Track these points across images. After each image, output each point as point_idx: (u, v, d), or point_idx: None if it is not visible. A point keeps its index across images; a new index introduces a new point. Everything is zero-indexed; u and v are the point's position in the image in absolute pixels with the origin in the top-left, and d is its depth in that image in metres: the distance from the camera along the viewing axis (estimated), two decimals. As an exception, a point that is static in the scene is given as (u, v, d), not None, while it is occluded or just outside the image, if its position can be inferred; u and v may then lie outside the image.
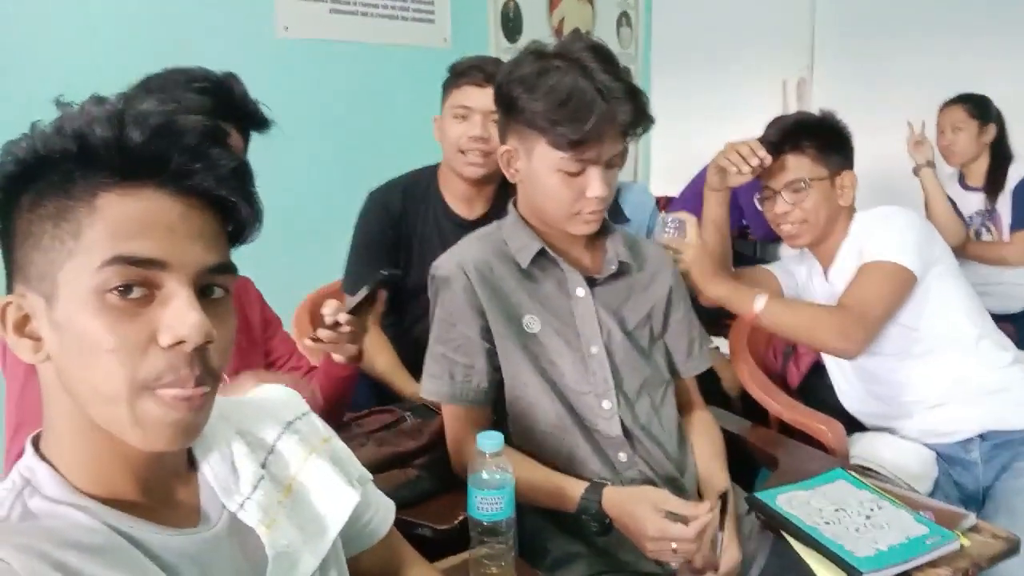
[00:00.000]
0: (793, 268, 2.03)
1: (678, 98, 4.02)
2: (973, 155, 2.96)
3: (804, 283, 1.99)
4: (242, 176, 0.73)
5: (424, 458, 1.45)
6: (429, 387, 1.40)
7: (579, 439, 1.37)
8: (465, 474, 1.18)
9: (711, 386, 2.14)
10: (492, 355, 1.38)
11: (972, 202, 2.99)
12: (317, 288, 2.29)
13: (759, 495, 1.39)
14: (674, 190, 3.32)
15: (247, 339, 1.48)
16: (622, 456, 1.38)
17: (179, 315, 0.67)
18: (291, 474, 0.85)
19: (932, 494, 1.72)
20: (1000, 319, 2.05)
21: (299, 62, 2.96)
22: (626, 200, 2.32)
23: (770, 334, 2.18)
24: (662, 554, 1.22)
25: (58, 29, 2.49)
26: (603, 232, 1.47)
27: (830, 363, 2.01)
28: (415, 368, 1.51)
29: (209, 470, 0.79)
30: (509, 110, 1.36)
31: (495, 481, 1.14)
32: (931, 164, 2.91)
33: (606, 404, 1.38)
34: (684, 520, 1.19)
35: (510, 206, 1.46)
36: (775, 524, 1.35)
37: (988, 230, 2.97)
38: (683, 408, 1.53)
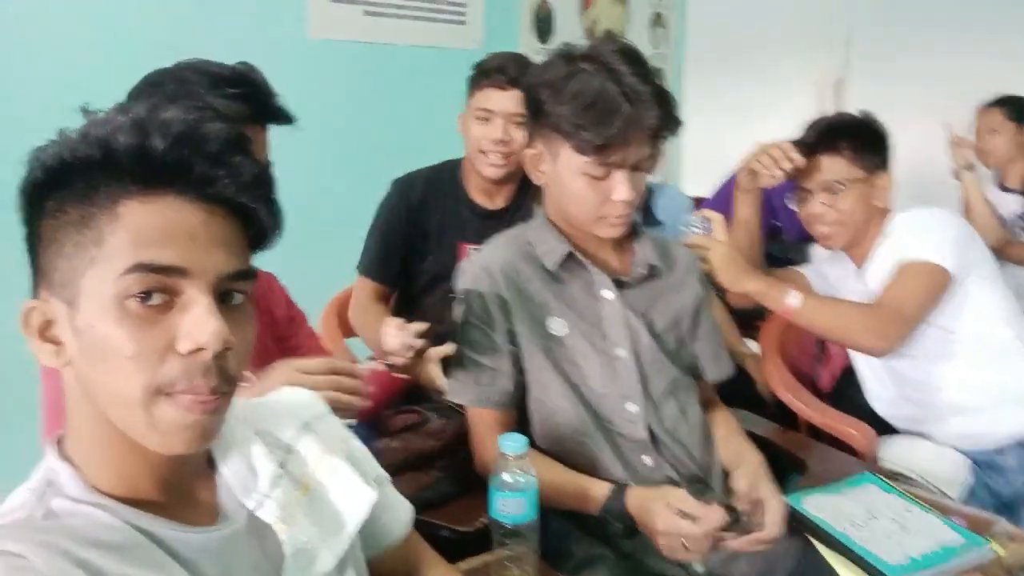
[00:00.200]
0: (825, 269, 2.00)
1: (711, 99, 4.00)
2: (1011, 157, 2.91)
3: (837, 284, 1.96)
4: (264, 183, 0.74)
5: (446, 460, 1.45)
6: (454, 389, 1.40)
7: (602, 443, 1.36)
8: (488, 476, 1.18)
9: (744, 389, 2.13)
10: (517, 358, 1.38)
11: (1009, 204, 2.93)
12: (345, 288, 2.30)
13: (787, 498, 1.38)
14: (705, 191, 3.29)
15: (271, 336, 1.47)
16: (647, 460, 1.37)
17: (199, 322, 0.67)
18: (309, 472, 0.86)
19: (965, 501, 1.69)
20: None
21: (332, 64, 2.98)
22: (658, 202, 2.32)
23: (801, 336, 2.15)
24: (674, 550, 1.21)
25: (85, 29, 2.52)
26: (632, 235, 1.47)
27: (861, 366, 1.98)
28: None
29: (228, 469, 0.80)
30: (536, 113, 1.36)
31: (518, 484, 1.13)
32: (971, 167, 2.86)
33: (632, 407, 1.37)
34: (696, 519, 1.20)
35: (537, 208, 1.46)
36: (803, 528, 1.33)
37: (1025, 232, 2.91)
38: (706, 408, 1.52)
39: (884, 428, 1.89)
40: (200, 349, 0.67)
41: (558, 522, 1.38)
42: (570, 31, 3.66)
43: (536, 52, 3.43)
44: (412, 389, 1.56)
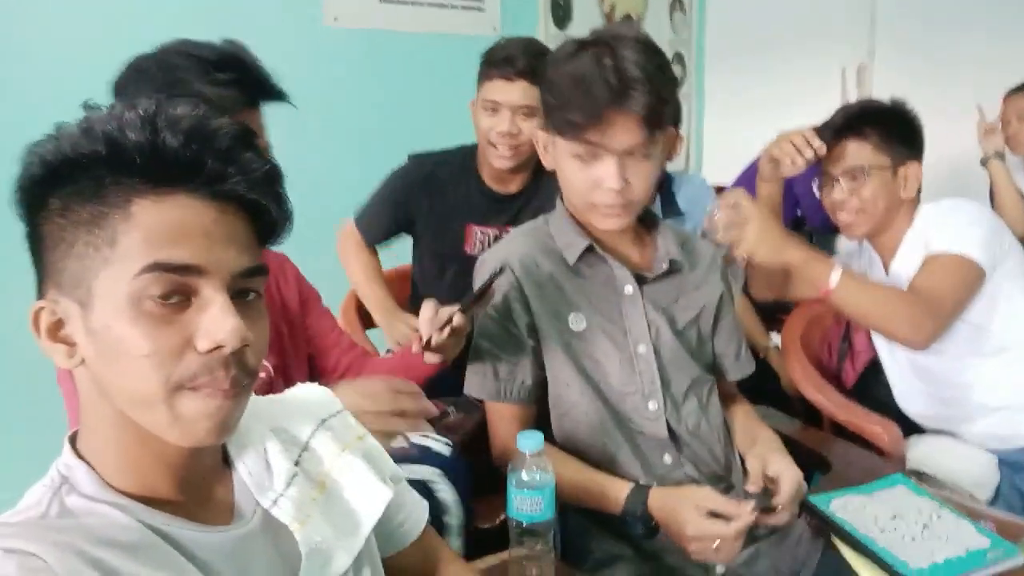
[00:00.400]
0: (851, 261, 1.96)
1: (732, 85, 3.95)
2: None
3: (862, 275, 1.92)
4: (273, 179, 0.73)
5: (466, 455, 1.43)
6: (472, 383, 1.38)
7: (621, 440, 1.34)
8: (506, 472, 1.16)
9: (769, 385, 2.10)
10: (537, 353, 1.36)
11: None
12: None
13: (812, 499, 1.35)
14: (726, 179, 3.25)
15: (285, 321, 1.45)
16: (667, 458, 1.35)
17: (216, 321, 0.67)
18: (325, 471, 0.85)
19: (993, 502, 1.65)
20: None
21: (348, 52, 2.97)
22: (681, 192, 2.29)
23: (825, 330, 2.11)
24: (705, 553, 1.19)
25: (94, 15, 2.49)
26: (652, 228, 1.44)
27: (888, 361, 1.94)
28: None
29: (243, 467, 0.80)
30: (542, 97, 1.34)
31: (535, 482, 1.11)
32: (1000, 155, 2.80)
33: (652, 405, 1.35)
34: (727, 519, 1.17)
35: (557, 200, 1.43)
36: (827, 529, 1.30)
37: (1055, 221, 2.84)
38: (724, 402, 1.50)
39: (910, 426, 1.85)
40: (219, 347, 0.67)
41: (577, 519, 1.37)
42: (588, 17, 3.61)
43: (554, 38, 3.39)
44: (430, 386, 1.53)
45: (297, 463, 0.83)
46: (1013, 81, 2.86)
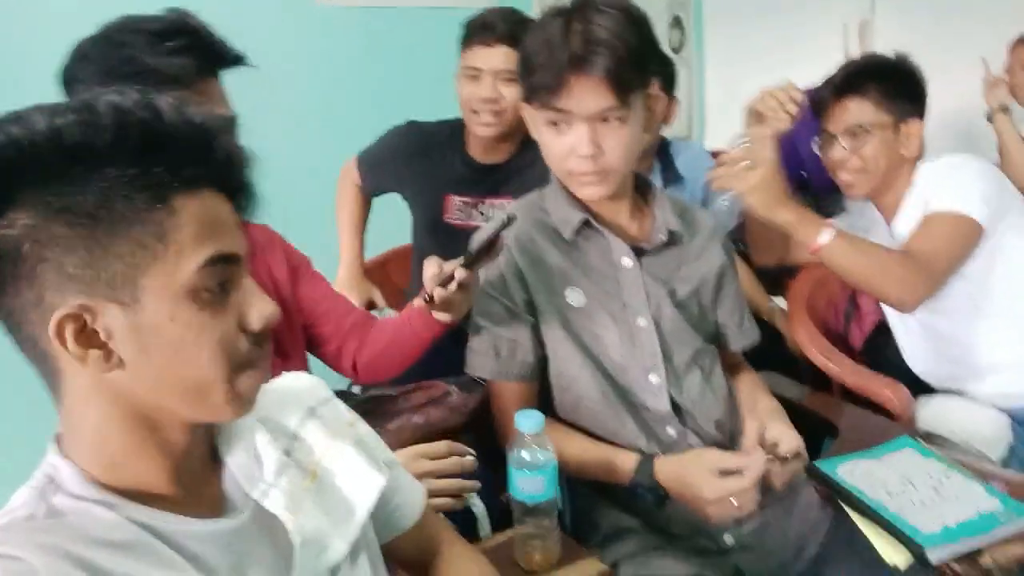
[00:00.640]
0: (853, 221, 1.93)
1: (733, 47, 3.88)
2: None
3: (864, 236, 1.89)
4: (251, 163, 0.75)
5: (469, 435, 1.43)
6: (473, 363, 1.37)
7: (624, 415, 1.33)
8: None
9: (775, 347, 2.07)
10: (537, 329, 1.35)
11: None
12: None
13: (819, 464, 1.34)
14: (729, 143, 3.21)
15: (278, 299, 1.39)
16: (671, 431, 1.33)
17: (257, 302, 0.72)
18: (315, 459, 0.85)
19: (1007, 462, 1.63)
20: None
21: (342, 31, 2.93)
22: (680, 158, 2.27)
23: (831, 292, 2.09)
24: (725, 513, 1.19)
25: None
26: (650, 199, 1.41)
27: (895, 322, 1.91)
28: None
29: (233, 460, 0.80)
30: (517, 65, 1.32)
31: (536, 461, 1.11)
32: (1006, 108, 2.73)
33: (654, 378, 1.33)
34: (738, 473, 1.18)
35: (552, 175, 1.41)
36: (836, 496, 1.29)
37: (1065, 175, 2.78)
38: (729, 371, 1.49)
39: (921, 388, 1.83)
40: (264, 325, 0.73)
41: (585, 493, 1.37)
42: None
43: (548, 9, 3.33)
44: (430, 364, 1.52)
45: (287, 453, 0.83)
46: (1017, 30, 2.79)
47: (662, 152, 2.26)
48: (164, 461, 0.73)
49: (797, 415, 1.40)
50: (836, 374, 1.84)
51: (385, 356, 1.47)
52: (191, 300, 0.68)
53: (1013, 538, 1.15)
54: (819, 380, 1.89)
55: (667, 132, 2.29)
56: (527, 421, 1.11)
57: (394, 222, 2.23)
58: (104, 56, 1.14)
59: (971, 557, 1.14)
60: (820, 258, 1.60)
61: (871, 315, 2.04)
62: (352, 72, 2.95)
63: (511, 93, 1.86)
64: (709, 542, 1.30)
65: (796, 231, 1.56)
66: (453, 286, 1.22)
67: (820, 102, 1.82)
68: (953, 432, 1.64)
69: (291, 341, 1.42)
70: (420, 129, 2.12)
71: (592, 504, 1.37)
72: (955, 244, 1.66)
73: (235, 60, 1.22)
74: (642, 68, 1.26)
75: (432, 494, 1.15)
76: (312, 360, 1.50)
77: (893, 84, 1.75)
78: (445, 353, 1.47)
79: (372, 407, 1.48)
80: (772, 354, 1.67)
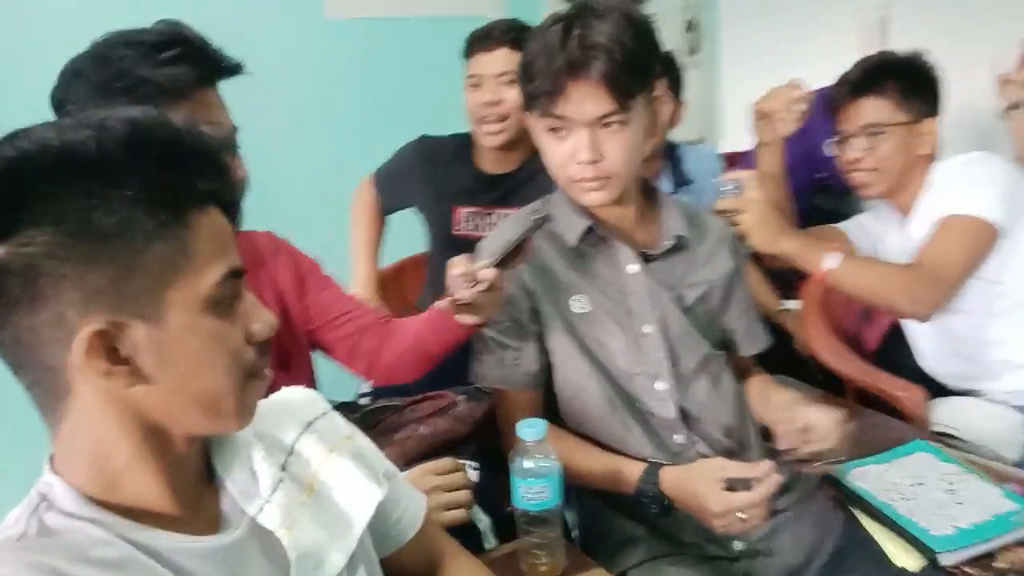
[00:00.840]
0: (867, 221, 1.92)
1: (749, 48, 3.84)
2: None
3: (879, 237, 1.88)
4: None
5: (475, 445, 1.42)
6: (479, 371, 1.37)
7: (631, 422, 1.32)
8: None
9: (784, 350, 2.05)
10: (542, 337, 1.34)
11: None
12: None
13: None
14: (748, 144, 3.18)
15: (282, 307, 1.38)
16: (678, 438, 1.32)
17: (260, 313, 0.75)
18: (312, 473, 0.84)
19: (1021, 462, 1.60)
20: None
21: (350, 43, 2.93)
22: (688, 162, 2.25)
23: (845, 295, 2.06)
24: (730, 527, 1.17)
25: (92, 11, 2.48)
26: (658, 204, 1.40)
27: (909, 322, 1.89)
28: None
29: (229, 476, 0.79)
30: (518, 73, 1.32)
31: (539, 470, 1.10)
32: (1018, 106, 2.68)
33: (660, 385, 1.32)
34: (746, 484, 1.15)
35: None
36: (846, 500, 1.28)
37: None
38: (740, 376, 1.47)
39: (936, 390, 1.80)
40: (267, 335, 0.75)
41: (592, 501, 1.36)
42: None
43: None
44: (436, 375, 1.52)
45: (283, 468, 0.82)
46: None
47: (670, 155, 2.25)
48: (163, 476, 0.72)
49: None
50: (851, 376, 1.82)
51: (405, 359, 1.45)
52: (213, 311, 0.69)
53: (1026, 540, 1.13)
54: (830, 383, 1.87)
55: (680, 135, 2.28)
56: (528, 430, 1.11)
57: (407, 233, 2.24)
58: (96, 72, 1.11)
59: (985, 560, 1.12)
60: (830, 282, 1.62)
61: (885, 316, 2.02)
62: (359, 82, 2.95)
63: (513, 95, 1.84)
64: (719, 549, 1.28)
65: (800, 260, 1.60)
66: (482, 286, 1.19)
67: (835, 101, 1.80)
68: (968, 432, 1.61)
69: (294, 352, 1.41)
70: (431, 143, 2.13)
71: (600, 513, 1.36)
72: (970, 250, 1.65)
73: (232, 69, 1.19)
74: (642, 71, 1.25)
75: (443, 507, 1.16)
76: (321, 367, 1.48)
77: (910, 83, 1.74)
78: (452, 362, 1.46)
79: (378, 419, 1.48)
80: (782, 356, 1.65)
